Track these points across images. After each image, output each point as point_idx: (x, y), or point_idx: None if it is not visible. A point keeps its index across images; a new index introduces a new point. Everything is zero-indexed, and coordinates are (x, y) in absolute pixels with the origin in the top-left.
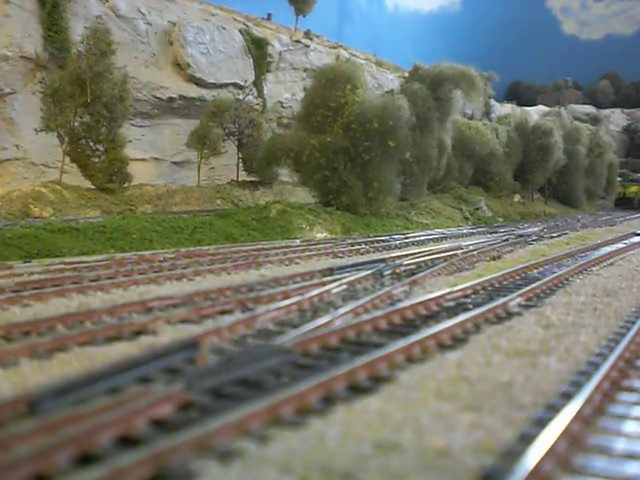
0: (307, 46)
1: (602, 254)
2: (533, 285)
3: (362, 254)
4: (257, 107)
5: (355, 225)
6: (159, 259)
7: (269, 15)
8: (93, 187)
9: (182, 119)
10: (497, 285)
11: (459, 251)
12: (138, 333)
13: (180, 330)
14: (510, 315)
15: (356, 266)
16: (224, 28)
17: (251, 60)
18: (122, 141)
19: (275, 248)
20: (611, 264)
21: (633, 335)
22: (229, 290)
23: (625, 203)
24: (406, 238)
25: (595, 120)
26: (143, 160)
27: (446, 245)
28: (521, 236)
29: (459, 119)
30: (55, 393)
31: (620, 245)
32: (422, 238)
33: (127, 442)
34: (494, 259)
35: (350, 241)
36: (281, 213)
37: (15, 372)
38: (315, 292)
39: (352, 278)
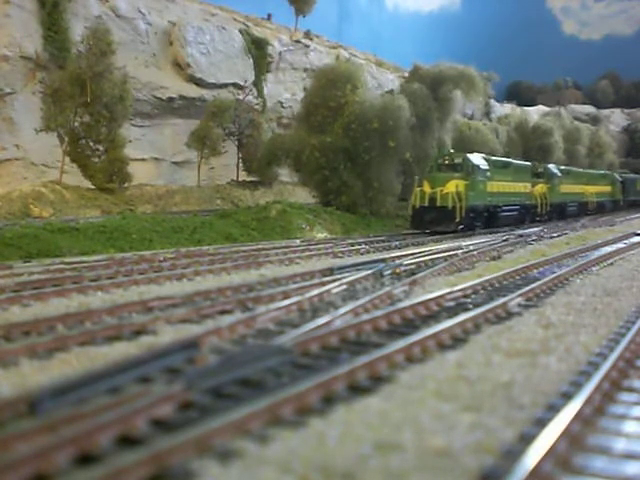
0: (307, 46)
1: (602, 254)
2: (533, 285)
3: (362, 254)
4: (257, 107)
5: (355, 225)
6: (159, 259)
7: (269, 15)
8: (93, 187)
9: (182, 119)
10: (497, 285)
11: (459, 251)
12: (138, 333)
13: (180, 330)
14: (510, 315)
15: (356, 266)
16: (224, 28)
17: (251, 60)
18: (122, 141)
19: (275, 248)
20: (611, 264)
21: (633, 335)
22: (229, 290)
23: (434, 218)
24: (406, 238)
25: (595, 120)
26: (143, 160)
27: (446, 245)
28: (521, 236)
29: (459, 119)
30: (55, 393)
31: (620, 245)
32: (422, 238)
33: (127, 442)
34: (494, 259)
35: (350, 241)
36: (281, 213)
37: (15, 372)
38: (315, 292)
39: (352, 278)
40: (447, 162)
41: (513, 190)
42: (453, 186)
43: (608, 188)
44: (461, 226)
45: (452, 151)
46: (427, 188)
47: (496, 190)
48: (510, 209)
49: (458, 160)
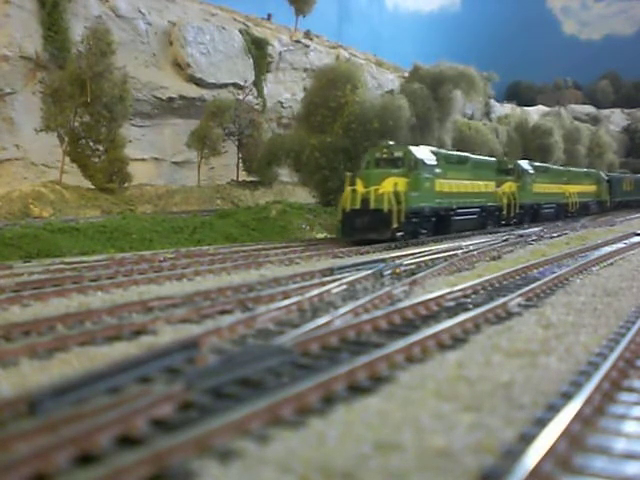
0: (307, 46)
1: (602, 254)
2: (533, 285)
3: (362, 254)
4: (257, 107)
5: None
6: (159, 259)
7: (269, 15)
8: (93, 187)
9: (182, 119)
10: (497, 285)
11: (459, 251)
12: (138, 333)
13: (180, 330)
14: (510, 315)
15: (356, 266)
16: (224, 28)
17: (251, 60)
18: (122, 141)
19: (275, 248)
20: (611, 264)
21: (633, 335)
22: (229, 290)
23: (367, 223)
24: (404, 238)
25: (595, 120)
26: (143, 160)
27: (446, 245)
28: (521, 236)
29: (459, 119)
30: (55, 393)
31: (620, 245)
32: (422, 238)
33: (127, 442)
34: (494, 259)
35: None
36: (281, 213)
37: (15, 372)
38: (315, 292)
39: (352, 278)
40: (386, 156)
41: (471, 190)
42: (390, 185)
43: (593, 188)
44: (400, 233)
45: (392, 143)
46: (360, 187)
47: (448, 190)
48: (467, 212)
49: (398, 154)
